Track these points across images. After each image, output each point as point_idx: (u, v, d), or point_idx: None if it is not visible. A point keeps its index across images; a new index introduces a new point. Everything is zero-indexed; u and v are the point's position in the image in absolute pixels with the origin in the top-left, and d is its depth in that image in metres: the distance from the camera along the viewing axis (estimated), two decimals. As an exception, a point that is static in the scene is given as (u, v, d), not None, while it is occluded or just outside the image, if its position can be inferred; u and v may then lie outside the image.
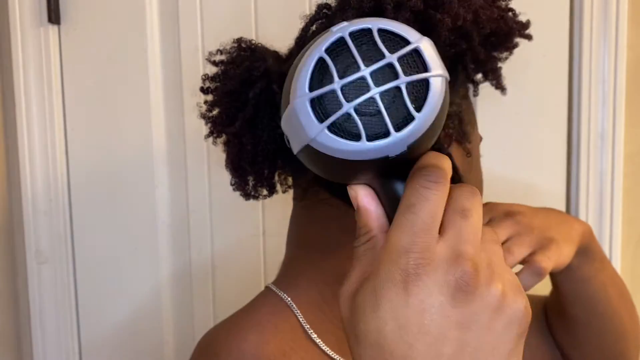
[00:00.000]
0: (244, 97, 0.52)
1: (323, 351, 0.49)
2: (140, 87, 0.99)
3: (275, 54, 0.55)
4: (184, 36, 0.98)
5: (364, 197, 0.35)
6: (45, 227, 1.01)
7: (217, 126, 0.56)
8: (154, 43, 0.99)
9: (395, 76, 0.31)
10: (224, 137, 0.56)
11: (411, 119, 0.31)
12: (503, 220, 0.57)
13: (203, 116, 0.57)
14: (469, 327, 0.30)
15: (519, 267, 0.56)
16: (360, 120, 0.30)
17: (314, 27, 0.50)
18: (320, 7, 0.50)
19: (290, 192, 0.59)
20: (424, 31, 0.45)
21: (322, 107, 0.31)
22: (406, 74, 0.31)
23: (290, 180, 0.58)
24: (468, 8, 0.47)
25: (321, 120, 0.31)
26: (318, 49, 0.31)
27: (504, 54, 0.54)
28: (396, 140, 0.31)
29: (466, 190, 0.33)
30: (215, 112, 0.56)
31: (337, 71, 0.31)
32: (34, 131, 1.00)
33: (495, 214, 0.58)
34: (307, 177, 0.53)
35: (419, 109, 0.31)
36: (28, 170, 1.00)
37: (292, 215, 0.58)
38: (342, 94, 0.30)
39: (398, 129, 0.31)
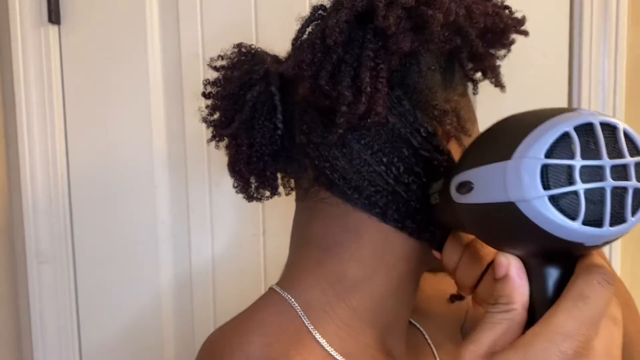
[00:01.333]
0: (242, 100, 0.52)
1: (327, 352, 0.49)
2: (140, 87, 0.99)
3: (274, 57, 0.55)
4: (184, 36, 0.98)
5: (516, 268, 0.36)
6: (46, 227, 1.01)
7: (218, 129, 0.56)
8: (154, 43, 0.99)
9: (628, 178, 0.33)
10: (225, 140, 0.56)
11: (623, 220, 0.33)
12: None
13: (204, 120, 0.58)
14: None
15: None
16: (585, 204, 0.32)
17: (309, 29, 0.50)
18: (315, 9, 0.50)
19: (292, 193, 0.60)
20: (416, 27, 0.46)
21: (547, 177, 0.32)
22: (637, 179, 0.33)
23: (292, 182, 0.58)
24: (460, 3, 0.47)
25: (545, 188, 0.32)
26: (567, 123, 0.32)
27: (502, 51, 0.55)
28: (604, 234, 0.32)
29: (616, 302, 0.36)
30: (216, 116, 0.56)
31: (580, 151, 0.32)
32: (34, 131, 1.00)
33: None
34: (308, 177, 0.53)
35: (633, 214, 0.33)
36: (28, 170, 1.00)
37: (295, 216, 0.58)
38: (579, 174, 0.32)
39: (612, 225, 0.32)
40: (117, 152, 1.01)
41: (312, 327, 0.49)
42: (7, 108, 1.02)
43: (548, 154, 0.32)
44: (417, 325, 0.59)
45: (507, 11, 0.52)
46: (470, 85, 0.56)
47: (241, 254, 1.02)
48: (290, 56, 0.53)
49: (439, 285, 0.63)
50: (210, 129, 0.58)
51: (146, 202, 1.01)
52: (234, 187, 0.58)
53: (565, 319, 0.32)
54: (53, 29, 0.99)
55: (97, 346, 1.05)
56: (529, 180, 0.32)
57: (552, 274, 0.35)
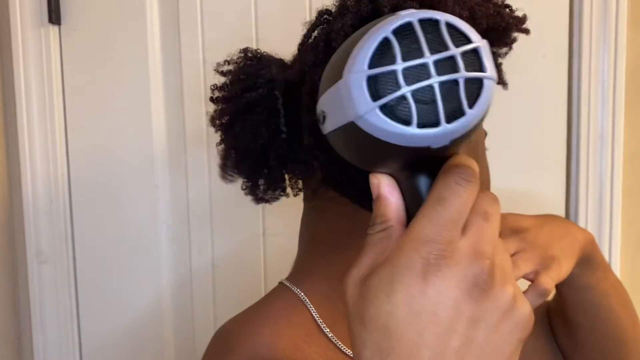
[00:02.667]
0: (245, 102, 0.53)
1: (335, 345, 0.50)
2: (140, 87, 0.99)
3: (280, 61, 0.56)
4: (184, 36, 0.98)
5: (386, 186, 0.35)
6: (46, 227, 1.01)
7: (224, 133, 0.57)
8: (154, 43, 1.00)
9: (455, 70, 0.31)
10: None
11: (461, 114, 0.31)
12: (509, 236, 0.58)
13: (213, 124, 0.58)
14: (479, 324, 0.31)
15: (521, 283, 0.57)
16: (415, 106, 0.30)
17: (315, 33, 0.50)
18: (320, 13, 0.51)
19: (299, 194, 0.60)
20: None
21: (377, 87, 0.31)
22: (466, 69, 0.31)
23: (300, 183, 0.59)
24: (463, 5, 0.48)
25: (375, 99, 0.31)
26: (384, 29, 0.31)
27: (504, 50, 0.55)
28: (444, 132, 0.31)
29: (490, 197, 0.34)
30: (224, 119, 0.57)
31: (401, 54, 0.31)
32: (34, 131, 1.00)
33: (502, 228, 0.59)
34: (316, 178, 0.54)
35: (470, 106, 0.31)
36: (29, 170, 1.00)
37: (303, 215, 0.59)
38: (403, 76, 0.30)
39: (448, 121, 0.31)
40: (118, 152, 1.01)
41: (321, 320, 0.50)
42: (7, 108, 1.02)
43: (371, 64, 0.31)
44: None
45: (507, 10, 0.53)
46: None
47: (241, 254, 1.02)
48: (295, 61, 0.53)
49: None
50: (219, 132, 0.58)
51: (146, 202, 1.01)
52: (242, 189, 0.59)
53: (423, 225, 0.31)
54: (53, 29, 0.99)
55: (97, 346, 1.05)
56: (358, 95, 0.31)
57: (423, 183, 0.34)
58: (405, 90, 0.30)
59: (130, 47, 0.99)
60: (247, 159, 0.55)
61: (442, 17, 0.31)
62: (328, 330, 0.50)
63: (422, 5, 0.46)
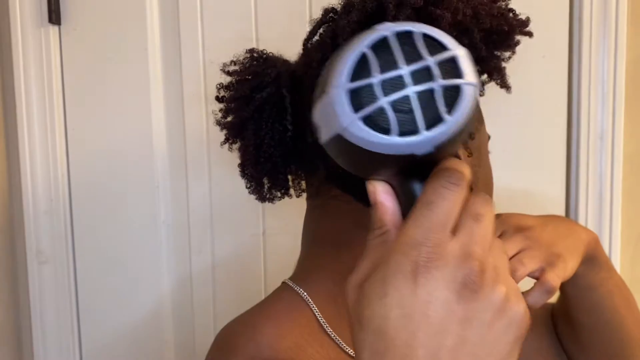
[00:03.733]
0: (252, 101, 0.53)
1: (338, 345, 0.50)
2: (140, 87, 0.99)
3: (286, 61, 0.56)
4: (184, 36, 0.98)
5: (381, 192, 0.36)
6: (46, 227, 1.01)
7: (230, 132, 0.57)
8: (154, 43, 1.00)
9: (432, 79, 0.32)
10: (238, 143, 0.58)
11: (441, 121, 0.32)
12: (514, 234, 0.59)
13: (218, 123, 0.59)
14: (471, 324, 0.31)
15: (525, 283, 0.57)
16: (394, 115, 0.32)
17: (321, 30, 0.51)
18: (326, 11, 0.51)
19: (302, 195, 0.60)
20: None
21: (358, 99, 0.32)
22: (442, 78, 0.32)
23: (303, 184, 0.59)
24: (467, 4, 0.48)
25: (356, 111, 0.32)
26: (361, 43, 0.33)
27: (507, 53, 0.55)
28: (425, 139, 0.32)
29: (481, 198, 0.34)
30: (229, 118, 0.57)
31: (378, 67, 0.32)
32: (34, 131, 1.00)
33: (506, 227, 0.60)
34: (319, 176, 0.54)
35: (449, 112, 0.32)
36: (29, 170, 1.00)
37: (306, 213, 0.59)
38: (380, 88, 0.32)
39: (428, 128, 0.32)
40: (118, 152, 1.01)
41: (324, 320, 0.50)
42: (7, 108, 1.02)
43: (352, 78, 0.32)
44: None
45: (511, 14, 0.53)
46: None
47: (241, 254, 1.02)
48: (301, 56, 0.54)
49: None
50: (224, 131, 0.58)
51: (146, 202, 1.01)
52: (246, 187, 0.59)
53: (412, 229, 0.32)
54: (53, 29, 0.99)
55: (97, 346, 1.05)
56: (341, 108, 0.32)
57: (416, 189, 0.36)
58: (383, 101, 0.32)
59: (130, 47, 0.99)
60: (254, 158, 0.55)
61: (417, 28, 0.33)
62: (331, 330, 0.50)
63: (426, 2, 0.46)
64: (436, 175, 0.34)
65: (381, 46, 0.33)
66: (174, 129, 1.01)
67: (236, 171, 0.60)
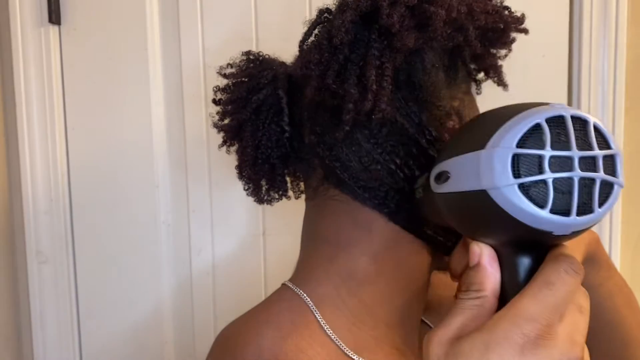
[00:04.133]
0: (249, 103, 0.53)
1: (338, 347, 0.50)
2: (140, 87, 0.99)
3: (282, 63, 0.56)
4: (184, 36, 0.98)
5: (487, 256, 0.37)
6: (46, 227, 1.01)
7: (228, 134, 0.57)
8: (154, 43, 1.00)
9: (596, 170, 0.34)
10: (236, 145, 0.58)
11: (591, 211, 0.34)
12: None
13: (215, 125, 0.59)
14: None
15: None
16: (553, 192, 0.33)
17: (316, 31, 0.51)
18: (321, 12, 0.51)
19: (301, 196, 0.60)
20: (419, 25, 0.46)
21: (519, 166, 0.33)
22: (604, 172, 0.34)
23: (302, 185, 0.59)
24: (462, 1, 0.49)
25: (515, 176, 0.33)
26: (539, 115, 0.33)
27: (503, 51, 0.55)
28: (571, 223, 0.33)
29: (585, 292, 0.36)
30: (226, 121, 0.57)
31: (551, 142, 0.33)
32: (34, 131, 1.00)
33: None
34: (316, 176, 0.54)
35: (600, 205, 0.34)
36: (29, 170, 1.00)
37: (305, 214, 0.59)
38: (548, 163, 0.33)
39: (578, 215, 0.33)
40: (118, 152, 1.01)
41: (324, 321, 0.50)
42: (7, 108, 1.02)
43: (520, 144, 0.33)
44: (429, 323, 0.59)
45: (506, 11, 0.53)
46: (473, 85, 0.57)
47: (241, 254, 1.02)
48: (297, 58, 0.53)
49: (451, 283, 0.64)
50: (222, 134, 0.59)
51: (147, 203, 1.01)
52: (244, 189, 0.59)
53: (529, 303, 0.33)
54: (53, 29, 0.99)
55: (97, 346, 1.05)
56: (500, 169, 0.33)
57: (524, 263, 0.36)
58: (548, 176, 0.33)
59: (130, 47, 0.99)
60: (251, 159, 0.55)
61: (591, 119, 0.35)
62: (331, 332, 0.50)
63: (419, 1, 0.46)
64: (559, 259, 0.35)
65: (555, 123, 0.33)
66: (174, 129, 1.01)
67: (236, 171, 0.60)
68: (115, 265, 1.03)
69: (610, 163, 0.35)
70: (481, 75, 0.56)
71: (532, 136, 0.33)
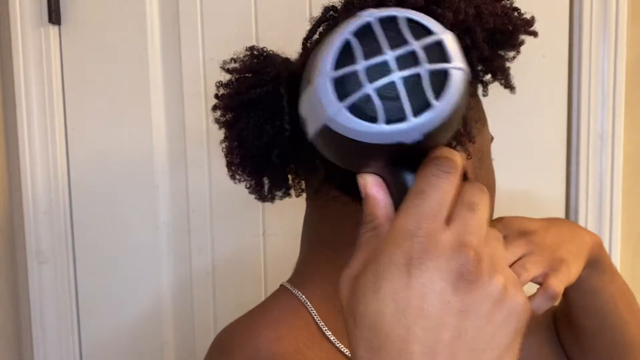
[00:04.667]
0: (250, 100, 0.53)
1: (337, 348, 0.49)
2: (140, 87, 0.99)
3: (286, 59, 0.56)
4: (184, 36, 0.98)
5: (372, 185, 0.35)
6: (46, 227, 1.01)
7: (228, 130, 0.57)
8: (154, 43, 0.99)
9: (418, 64, 0.31)
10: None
11: (429, 106, 0.31)
12: (517, 239, 0.57)
13: (217, 121, 0.58)
14: (469, 315, 0.30)
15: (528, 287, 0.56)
16: (380, 102, 0.31)
17: (321, 29, 0.50)
18: (326, 10, 0.51)
19: (302, 194, 0.60)
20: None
21: (343, 88, 0.31)
22: (428, 62, 0.31)
23: (304, 184, 0.58)
24: (469, 3, 0.48)
25: (341, 100, 0.31)
26: (345, 31, 0.31)
27: (511, 53, 0.54)
28: (413, 126, 0.31)
29: (475, 187, 0.33)
30: (228, 116, 0.57)
31: (362, 54, 0.31)
32: (34, 131, 1.00)
33: (508, 231, 0.59)
34: (318, 176, 0.53)
35: (437, 98, 0.31)
36: (28, 170, 1.00)
37: (306, 215, 0.58)
38: (365, 75, 0.31)
39: (415, 115, 0.31)
40: (118, 152, 1.01)
41: (323, 323, 0.50)
42: (7, 108, 1.02)
43: (336, 67, 0.31)
44: None
45: (516, 13, 0.52)
46: (480, 87, 0.56)
47: (241, 254, 1.02)
48: (300, 55, 0.53)
49: None
50: (223, 130, 0.58)
51: (146, 202, 1.01)
52: (246, 187, 0.58)
53: (404, 219, 0.31)
54: (53, 29, 0.99)
55: (97, 346, 1.05)
56: (326, 98, 0.31)
57: (408, 180, 0.34)
58: (368, 88, 0.31)
59: (130, 46, 0.99)
60: (251, 157, 0.55)
61: (401, 13, 0.32)
62: (330, 332, 0.49)
63: (427, 1, 0.46)
64: (427, 164, 0.33)
65: (365, 33, 0.31)
66: (173, 128, 1.01)
67: (236, 171, 0.59)
68: (115, 265, 1.03)
69: (438, 50, 0.31)
70: (488, 77, 0.55)
71: (345, 54, 0.31)
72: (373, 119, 0.31)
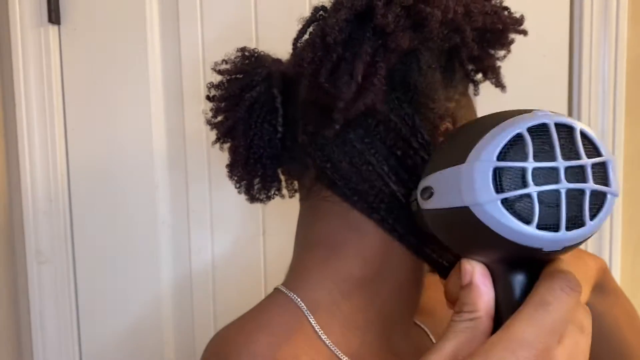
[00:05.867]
0: (242, 101, 0.53)
1: (333, 352, 0.49)
2: (140, 87, 0.99)
3: (277, 60, 0.56)
4: (184, 36, 0.98)
5: (480, 275, 0.35)
6: (46, 227, 1.01)
7: (220, 132, 0.57)
8: (154, 43, 0.99)
9: (585, 180, 0.31)
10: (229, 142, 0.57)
11: (582, 224, 0.31)
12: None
13: (208, 122, 0.58)
14: None
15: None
16: (539, 207, 0.31)
17: (310, 29, 0.50)
18: (316, 10, 0.50)
19: (295, 195, 0.60)
20: (415, 25, 0.46)
21: (502, 180, 0.31)
22: (594, 182, 0.31)
23: (296, 185, 0.58)
24: (458, 1, 0.48)
25: (497, 192, 0.31)
26: (520, 124, 0.31)
27: (502, 52, 0.54)
28: (561, 238, 0.31)
29: (586, 309, 0.34)
30: (219, 118, 0.57)
31: (533, 153, 0.31)
32: (34, 131, 1.00)
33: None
34: (310, 176, 0.53)
35: (591, 217, 0.31)
36: (28, 170, 1.00)
37: (299, 216, 0.58)
38: (531, 176, 0.31)
39: (568, 228, 0.31)
40: (117, 152, 1.01)
41: (318, 326, 0.49)
42: (7, 108, 1.02)
43: (500, 157, 0.31)
44: (422, 326, 0.59)
45: (505, 12, 0.52)
46: (470, 85, 0.56)
47: (241, 254, 1.02)
48: (291, 56, 0.53)
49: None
50: (214, 131, 0.58)
51: (146, 202, 1.01)
52: (236, 187, 0.58)
53: (524, 327, 0.31)
54: (53, 29, 0.99)
55: (97, 346, 1.05)
56: (481, 184, 0.31)
57: (519, 281, 0.34)
58: (532, 189, 0.30)
59: (130, 47, 0.99)
60: (243, 158, 0.55)
61: (577, 125, 0.32)
62: (326, 337, 0.49)
63: (414, 1, 0.45)
64: (554, 275, 0.32)
65: (538, 132, 0.31)
66: (173, 129, 1.01)
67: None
68: (115, 265, 1.03)
69: (601, 171, 0.32)
70: (479, 76, 0.55)
71: (514, 147, 0.31)
72: (525, 220, 0.31)
